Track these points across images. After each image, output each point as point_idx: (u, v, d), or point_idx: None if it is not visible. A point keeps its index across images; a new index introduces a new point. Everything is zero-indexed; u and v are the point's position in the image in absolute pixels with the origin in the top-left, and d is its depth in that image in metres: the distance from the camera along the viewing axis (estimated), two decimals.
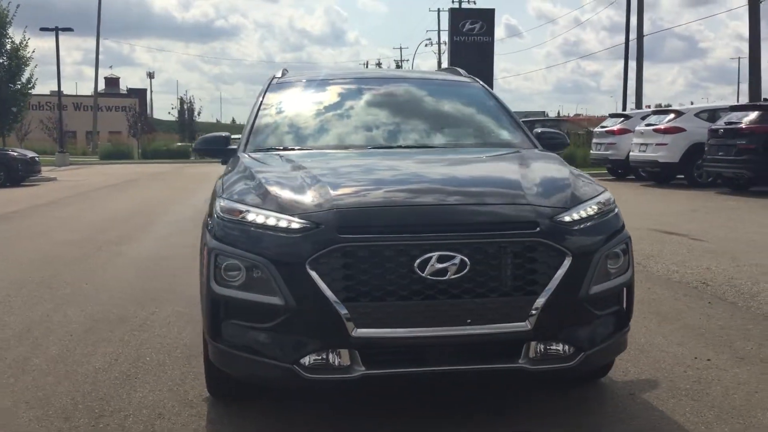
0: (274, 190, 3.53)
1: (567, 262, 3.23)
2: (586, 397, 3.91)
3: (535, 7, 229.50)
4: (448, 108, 5.04)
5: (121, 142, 52.98)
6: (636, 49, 33.17)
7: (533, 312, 3.20)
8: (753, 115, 15.13)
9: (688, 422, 3.55)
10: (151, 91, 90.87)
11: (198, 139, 4.80)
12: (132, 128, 52.43)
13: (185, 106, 61.26)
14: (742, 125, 15.01)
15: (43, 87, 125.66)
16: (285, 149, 4.38)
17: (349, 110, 4.85)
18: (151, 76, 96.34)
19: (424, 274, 3.14)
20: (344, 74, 5.61)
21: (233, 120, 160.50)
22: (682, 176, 17.72)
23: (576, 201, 3.48)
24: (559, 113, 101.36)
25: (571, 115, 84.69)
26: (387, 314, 3.17)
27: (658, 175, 18.25)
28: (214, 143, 4.67)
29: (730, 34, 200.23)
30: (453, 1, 59.32)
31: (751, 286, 6.43)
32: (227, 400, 3.92)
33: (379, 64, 66.81)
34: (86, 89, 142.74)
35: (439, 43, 68.18)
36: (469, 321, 3.18)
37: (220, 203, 3.58)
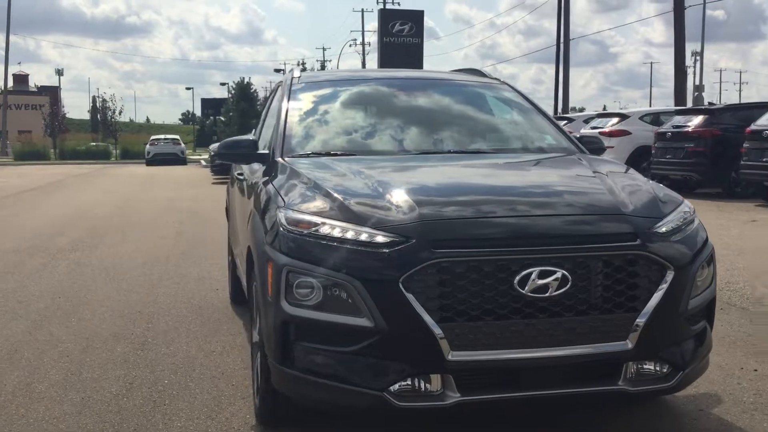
0: (346, 199, 3.23)
1: (669, 276, 3.05)
2: (658, 414, 3.75)
3: (452, 10, 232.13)
4: (486, 110, 4.81)
5: (34, 142, 50.86)
6: (561, 54, 33.77)
7: (635, 330, 3.01)
8: (699, 119, 15.43)
9: None
10: (60, 89, 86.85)
11: (220, 144, 4.41)
12: (48, 127, 50.33)
13: (99, 104, 59.33)
14: (690, 129, 15.29)
15: None
16: (329, 154, 4.07)
17: (384, 113, 4.56)
18: (59, 73, 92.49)
19: (524, 291, 2.91)
20: (365, 75, 5.30)
21: (147, 119, 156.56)
22: None
23: (665, 210, 3.31)
24: None
25: None
26: (484, 335, 2.92)
27: None
28: (240, 148, 4.29)
29: (639, 39, 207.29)
30: (378, 2, 59.42)
31: (751, 291, 6.44)
32: (280, 428, 3.59)
33: (302, 65, 65.97)
34: None
35: (363, 44, 68.05)
36: (569, 340, 2.97)
37: (286, 214, 3.25)
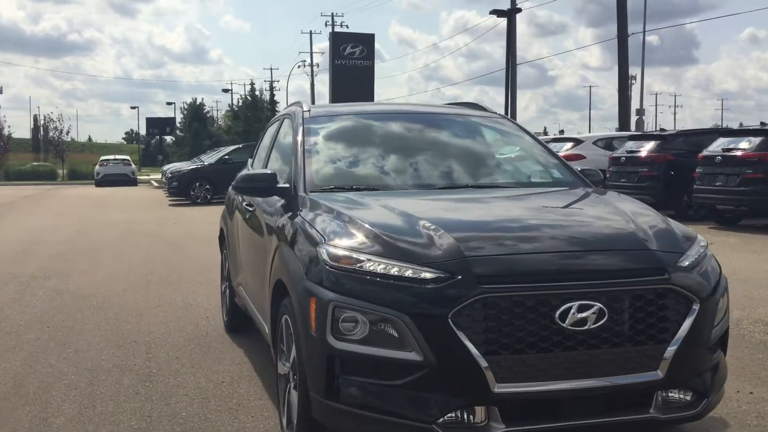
0: (386, 235, 3.33)
1: (696, 308, 3.23)
2: None
3: (396, 32, 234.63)
4: (496, 145, 4.97)
5: None
6: (510, 78, 34.44)
7: (665, 360, 3.17)
8: (651, 144, 15.98)
9: None
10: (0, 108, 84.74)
11: (239, 178, 4.46)
12: None
13: (41, 123, 58.26)
14: (643, 154, 15.84)
15: None
16: (352, 189, 4.17)
17: (401, 148, 4.67)
18: None
19: (564, 324, 3.05)
20: (373, 109, 5.39)
21: (90, 138, 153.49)
22: None
23: (685, 245, 3.50)
24: None
25: None
26: (527, 367, 3.05)
27: None
28: (261, 182, 4.35)
29: (576, 63, 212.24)
30: (327, 24, 59.69)
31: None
32: None
33: (251, 85, 65.68)
34: None
35: (311, 65, 68.13)
36: (606, 371, 3.12)
37: (327, 250, 3.33)
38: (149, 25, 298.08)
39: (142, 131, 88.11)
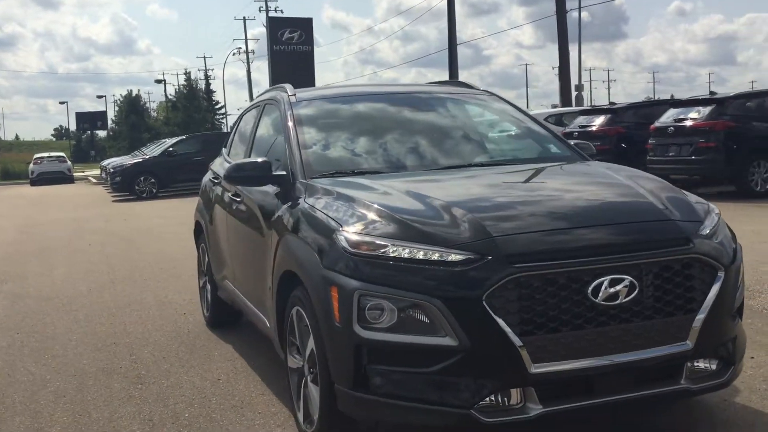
0: (404, 219, 3.22)
1: (721, 275, 3.22)
2: (687, 409, 3.91)
3: (330, 16, 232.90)
4: (492, 122, 4.89)
5: None
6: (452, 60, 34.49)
7: (693, 330, 3.15)
8: (603, 118, 16.27)
9: None
10: None
11: (231, 167, 4.26)
12: None
13: None
14: (595, 128, 16.06)
15: None
16: (354, 173, 4.03)
17: (396, 128, 4.54)
18: None
19: (597, 300, 3.00)
20: (360, 91, 5.22)
21: (17, 136, 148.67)
22: None
23: (702, 214, 3.47)
24: None
25: None
26: (562, 346, 2.99)
27: None
28: (256, 170, 4.15)
29: (510, 42, 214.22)
30: (261, 10, 58.91)
31: None
32: None
33: (187, 75, 64.42)
34: None
35: (247, 52, 67.15)
36: (638, 345, 3.08)
37: (346, 237, 3.20)
38: (73, 17, 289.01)
39: (72, 127, 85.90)
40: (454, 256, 3.01)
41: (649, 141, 14.31)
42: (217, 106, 70.35)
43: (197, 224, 6.28)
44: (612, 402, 3.10)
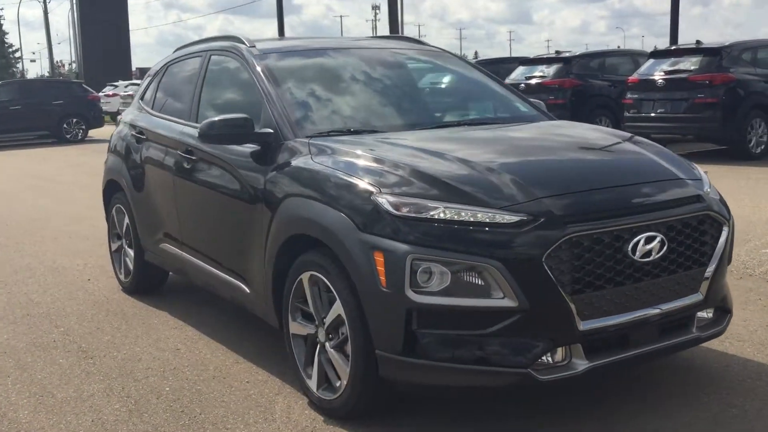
0: (449, 180, 3.17)
1: (725, 230, 3.47)
2: (689, 366, 4.05)
3: None
4: (460, 82, 4.84)
5: None
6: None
7: (705, 281, 3.39)
8: (552, 69, 14.76)
9: None
10: None
11: (206, 123, 3.91)
12: None
13: None
14: (548, 80, 14.60)
15: None
16: (350, 132, 3.87)
17: (378, 86, 4.37)
18: None
19: (635, 257, 3.13)
20: (326, 45, 4.76)
21: None
22: None
23: (697, 172, 3.70)
24: None
25: None
26: (605, 302, 3.12)
27: None
28: (236, 128, 3.84)
29: None
30: None
31: None
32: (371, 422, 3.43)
33: None
34: None
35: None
36: (664, 298, 3.26)
37: (387, 199, 3.10)
38: None
39: None
40: (508, 217, 3.02)
41: (627, 95, 12.84)
42: (11, 49, 64.83)
43: (110, 183, 5.78)
44: (643, 353, 3.27)
